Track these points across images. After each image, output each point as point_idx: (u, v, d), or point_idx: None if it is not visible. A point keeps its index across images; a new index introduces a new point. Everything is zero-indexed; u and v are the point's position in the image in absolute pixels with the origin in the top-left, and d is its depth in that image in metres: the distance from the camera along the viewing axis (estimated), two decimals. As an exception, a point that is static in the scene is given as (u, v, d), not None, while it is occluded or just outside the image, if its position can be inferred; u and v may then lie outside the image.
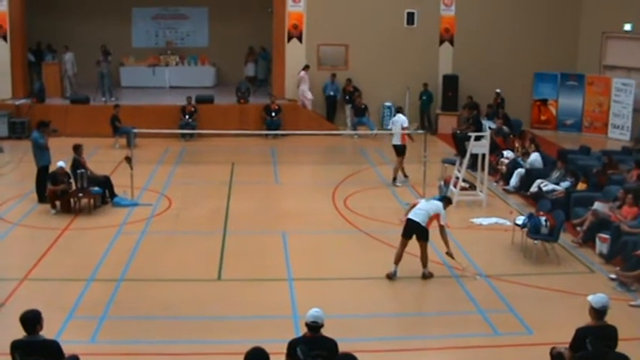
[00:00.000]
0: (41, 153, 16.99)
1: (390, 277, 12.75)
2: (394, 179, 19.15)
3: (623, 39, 25.41)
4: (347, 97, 26.32)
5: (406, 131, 19.17)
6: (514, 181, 18.53)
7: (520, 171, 18.53)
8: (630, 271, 12.45)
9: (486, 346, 10.42)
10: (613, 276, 12.78)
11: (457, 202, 17.10)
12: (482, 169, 17.51)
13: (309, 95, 25.86)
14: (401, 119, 19.16)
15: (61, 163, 16.61)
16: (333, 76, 26.50)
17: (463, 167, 17.63)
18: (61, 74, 26.55)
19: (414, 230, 12.69)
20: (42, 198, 16.77)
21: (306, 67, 26.05)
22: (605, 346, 8.33)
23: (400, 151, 19.09)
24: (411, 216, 12.75)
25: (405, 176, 19.38)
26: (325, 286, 12.59)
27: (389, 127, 20.37)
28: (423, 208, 12.73)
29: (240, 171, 20.28)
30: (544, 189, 17.06)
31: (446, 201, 13.41)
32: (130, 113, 23.60)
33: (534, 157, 18.78)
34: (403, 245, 12.79)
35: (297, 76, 25.98)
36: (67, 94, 26.23)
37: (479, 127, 19.99)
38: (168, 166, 20.93)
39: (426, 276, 12.86)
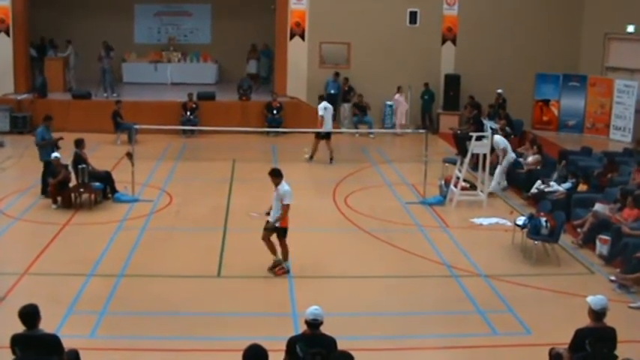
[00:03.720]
0: (45, 148, 17.00)
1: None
2: (332, 159, 21.29)
3: (626, 40, 25.37)
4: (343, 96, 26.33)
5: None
6: (498, 177, 18.45)
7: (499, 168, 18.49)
8: (630, 274, 12.45)
9: (485, 345, 10.42)
10: (613, 278, 12.77)
11: (458, 202, 17.14)
12: (483, 169, 17.53)
13: (401, 120, 23.46)
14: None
15: (55, 154, 16.60)
16: (337, 74, 26.48)
17: (464, 167, 17.63)
18: (64, 69, 26.62)
19: None
20: (46, 191, 16.79)
21: (399, 89, 25.55)
22: (604, 348, 8.35)
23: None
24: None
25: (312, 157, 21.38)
26: (325, 284, 12.62)
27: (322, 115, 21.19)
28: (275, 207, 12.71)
29: (241, 168, 20.28)
30: (546, 190, 17.03)
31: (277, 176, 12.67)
32: (131, 109, 23.61)
33: (498, 137, 18.65)
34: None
35: (394, 100, 25.23)
36: (68, 88, 26.34)
37: (480, 127, 19.95)
38: (169, 162, 20.94)
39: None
